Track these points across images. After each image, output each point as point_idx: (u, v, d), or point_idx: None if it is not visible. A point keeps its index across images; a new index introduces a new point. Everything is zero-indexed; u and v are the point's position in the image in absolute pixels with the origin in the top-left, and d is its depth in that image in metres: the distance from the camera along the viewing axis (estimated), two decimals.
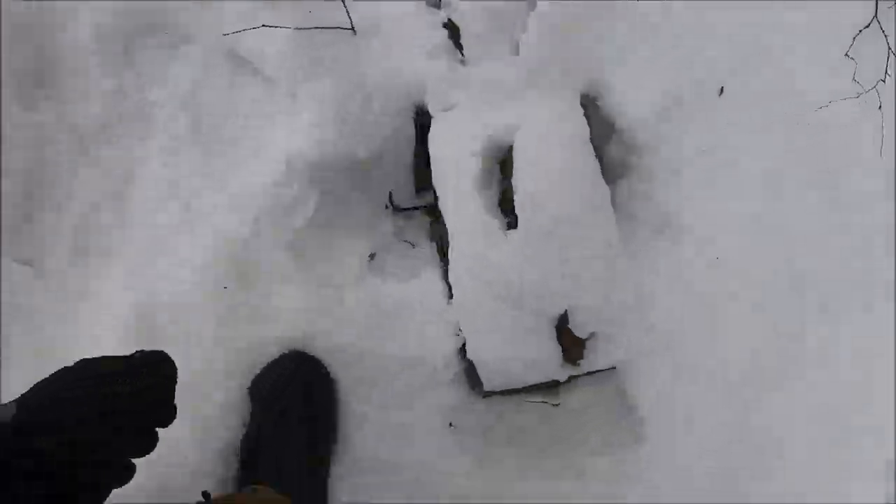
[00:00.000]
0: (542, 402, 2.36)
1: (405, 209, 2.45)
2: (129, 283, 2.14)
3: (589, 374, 2.34)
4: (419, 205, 2.45)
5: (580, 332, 2.14)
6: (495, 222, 2.16)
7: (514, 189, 2.15)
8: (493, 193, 2.22)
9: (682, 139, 2.40)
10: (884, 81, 2.13)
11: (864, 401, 2.21)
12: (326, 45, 2.35)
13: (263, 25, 2.26)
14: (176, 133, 2.36)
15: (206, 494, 1.80)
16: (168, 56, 2.43)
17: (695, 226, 2.39)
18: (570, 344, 2.17)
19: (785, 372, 2.24)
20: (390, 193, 2.45)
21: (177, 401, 1.32)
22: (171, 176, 2.32)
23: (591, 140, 2.29)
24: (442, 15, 2.38)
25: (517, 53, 2.29)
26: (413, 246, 2.40)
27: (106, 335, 2.05)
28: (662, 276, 2.33)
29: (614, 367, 2.32)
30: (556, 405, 2.37)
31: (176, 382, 1.35)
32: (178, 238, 2.22)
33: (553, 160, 2.15)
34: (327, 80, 2.31)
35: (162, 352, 1.34)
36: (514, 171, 2.15)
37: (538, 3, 2.27)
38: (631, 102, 2.39)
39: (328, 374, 2.12)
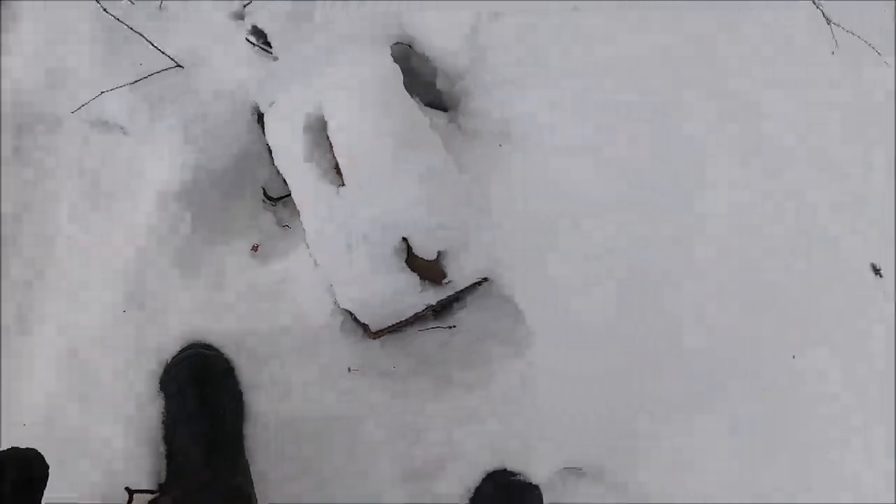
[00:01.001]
0: (437, 327, 2.59)
1: (279, 199, 2.76)
2: (54, 322, 2.53)
3: (467, 290, 2.55)
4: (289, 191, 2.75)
5: (426, 254, 2.37)
6: (330, 187, 2.43)
7: (333, 150, 2.42)
8: (325, 161, 2.49)
9: (497, 51, 2.64)
10: None
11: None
12: (164, 87, 2.71)
13: (102, 93, 2.65)
14: (74, 200, 2.75)
15: (128, 490, 2.15)
16: (51, 141, 2.84)
17: (530, 133, 2.60)
18: (423, 267, 2.40)
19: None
20: (263, 188, 2.78)
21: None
22: (77, 234, 2.71)
23: (419, 78, 2.55)
24: (246, 24, 2.69)
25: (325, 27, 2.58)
26: (289, 227, 2.70)
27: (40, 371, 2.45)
28: (505, 185, 2.55)
29: (486, 279, 2.53)
30: (453, 327, 2.60)
31: (45, 483, 1.42)
32: (86, 282, 2.60)
33: (365, 112, 2.40)
34: (172, 114, 2.67)
35: (33, 450, 1.42)
36: (329, 134, 2.43)
37: None
38: (443, 34, 2.65)
39: (225, 358, 2.43)
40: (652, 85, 2.68)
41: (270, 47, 2.63)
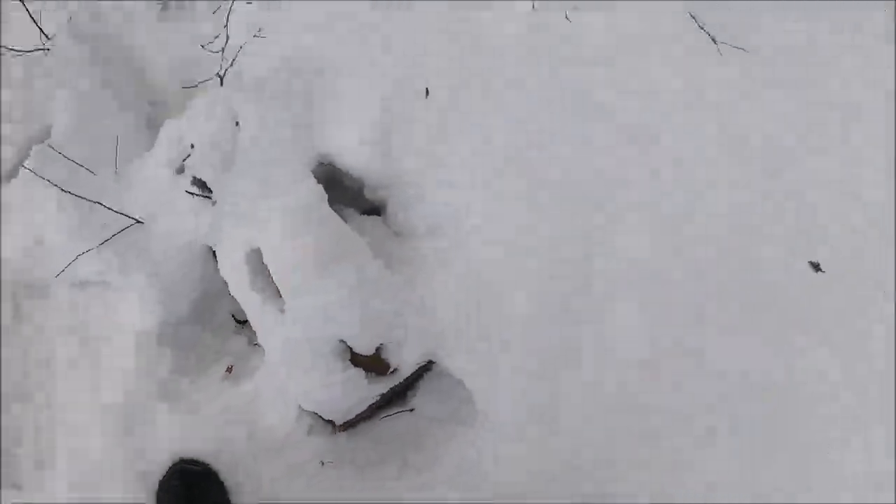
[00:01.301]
0: (398, 412, 2.90)
1: (245, 321, 3.11)
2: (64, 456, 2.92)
3: (417, 375, 2.87)
4: None
5: (364, 351, 2.69)
6: (274, 308, 2.78)
7: (272, 276, 2.78)
8: (268, 287, 2.84)
9: (405, 154, 2.99)
10: None
11: None
12: (129, 242, 3.10)
13: (77, 257, 3.06)
14: (68, 351, 3.15)
15: None
16: (42, 303, 3.25)
17: (449, 226, 2.93)
18: (366, 363, 2.73)
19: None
20: (232, 315, 3.14)
21: None
22: (74, 380, 3.10)
23: (349, 190, 2.92)
24: (187, 176, 3.08)
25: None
26: (259, 345, 3.04)
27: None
28: (434, 276, 2.87)
29: (432, 362, 2.84)
30: (412, 410, 2.90)
31: None
32: (86, 420, 2.98)
33: (292, 239, 2.76)
34: (140, 265, 3.06)
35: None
36: (265, 262, 2.78)
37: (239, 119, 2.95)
38: (354, 152, 3.01)
39: (211, 469, 2.77)
40: (551, 175, 2.97)
41: (210, 193, 3.00)
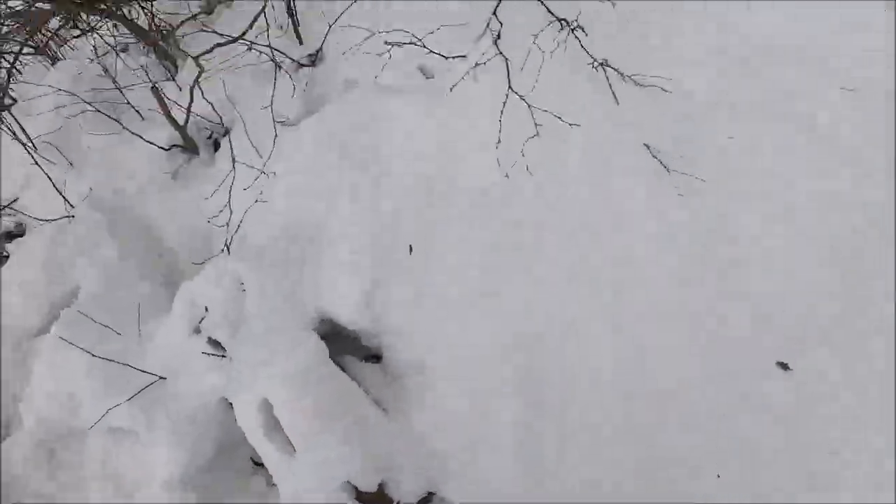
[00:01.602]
0: None
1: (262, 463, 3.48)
2: None
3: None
4: None
5: (368, 488, 3.06)
6: (286, 454, 3.16)
7: (282, 426, 3.16)
8: (279, 435, 3.22)
9: (389, 308, 3.39)
10: None
11: None
12: (154, 397, 3.49)
13: (108, 411, 3.44)
14: (103, 496, 3.52)
15: None
16: (79, 450, 3.63)
17: (437, 366, 3.33)
18: (370, 498, 3.09)
19: None
20: (251, 458, 3.51)
21: None
22: None
23: (350, 341, 3.32)
24: (203, 337, 3.49)
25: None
26: (276, 485, 3.40)
27: None
28: (427, 413, 3.26)
29: (432, 493, 3.20)
30: None
31: None
32: None
33: (298, 391, 3.15)
34: (165, 417, 3.45)
35: None
36: (275, 414, 3.17)
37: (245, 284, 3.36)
38: (348, 308, 3.42)
39: None
40: (515, 316, 3.40)
41: (225, 351, 3.40)
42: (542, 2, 3.99)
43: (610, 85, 3.79)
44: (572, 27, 3.84)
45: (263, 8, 4.05)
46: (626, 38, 4.00)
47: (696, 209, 3.55)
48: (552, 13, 3.92)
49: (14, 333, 4.11)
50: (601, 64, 3.80)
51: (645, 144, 3.69)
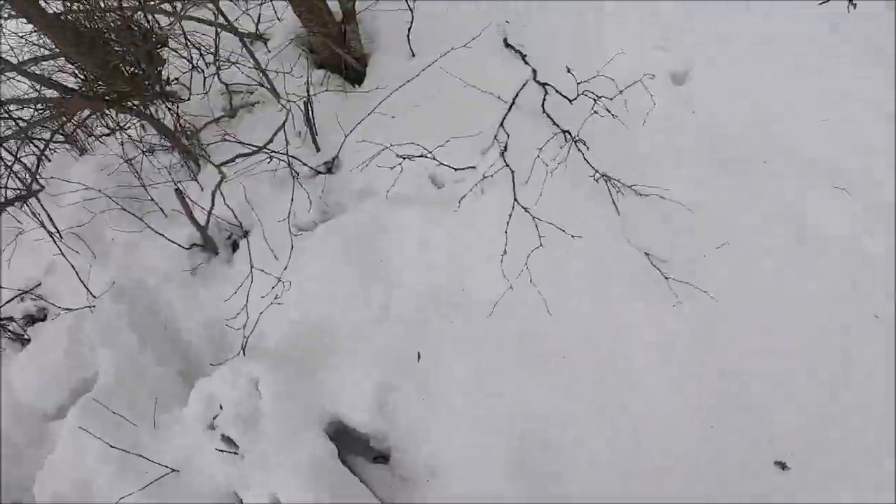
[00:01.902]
0: None
1: None
2: None
3: None
4: None
5: None
6: None
7: None
8: None
9: (399, 411, 3.63)
10: None
11: None
12: (167, 489, 3.67)
13: (120, 500, 3.62)
14: None
15: None
16: None
17: (444, 465, 3.56)
18: None
19: None
20: None
21: None
22: None
23: (359, 442, 3.55)
24: (217, 433, 3.69)
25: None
26: None
27: None
28: None
29: None
30: None
31: None
32: None
33: (306, 491, 3.36)
34: None
35: None
36: None
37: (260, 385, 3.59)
38: (359, 411, 3.65)
39: None
40: (516, 420, 3.62)
41: (237, 448, 3.60)
42: (547, 115, 4.39)
43: (612, 197, 4.09)
44: (575, 139, 4.18)
45: (284, 123, 4.38)
46: (626, 149, 4.31)
47: (694, 317, 3.80)
48: (557, 125, 4.29)
49: (32, 415, 4.31)
50: (602, 176, 4.08)
51: (646, 253, 3.96)
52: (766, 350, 3.71)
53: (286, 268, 4.15)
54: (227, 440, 3.68)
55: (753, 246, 3.97)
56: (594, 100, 4.25)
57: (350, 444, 3.74)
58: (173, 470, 3.70)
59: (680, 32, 4.70)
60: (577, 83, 4.32)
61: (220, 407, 3.73)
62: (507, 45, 4.87)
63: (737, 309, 3.81)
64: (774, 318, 3.81)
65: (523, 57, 4.77)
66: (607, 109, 4.25)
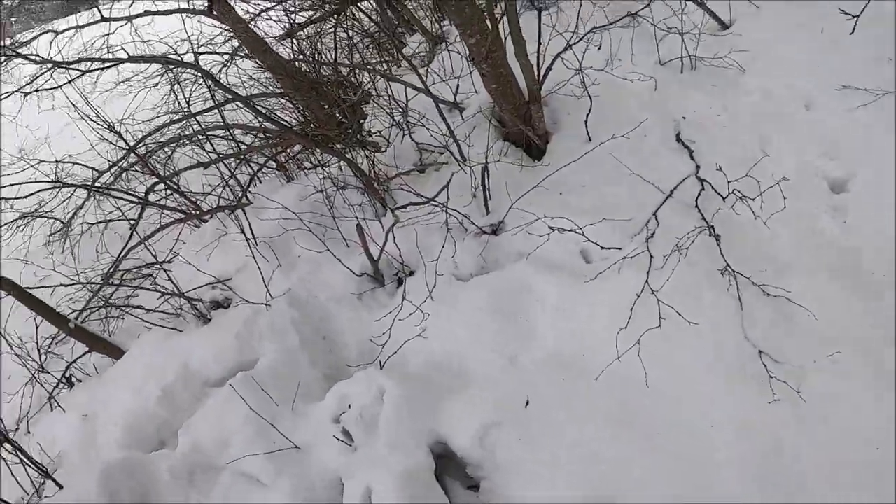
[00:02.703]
0: None
1: None
2: None
3: None
4: None
5: None
6: None
7: None
8: None
9: (498, 447, 4.23)
10: None
11: None
12: (285, 461, 4.45)
13: (244, 456, 4.46)
14: None
15: None
16: (211, 480, 4.63)
17: None
18: None
19: None
20: None
21: None
22: None
23: (457, 467, 4.22)
24: (339, 426, 4.49)
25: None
26: None
27: None
28: None
29: None
30: None
31: None
32: None
33: (398, 494, 4.02)
34: (289, 476, 4.36)
35: None
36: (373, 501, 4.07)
37: (385, 395, 4.36)
38: (463, 438, 4.29)
39: None
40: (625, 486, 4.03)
41: (353, 442, 4.38)
42: (699, 209, 4.84)
43: (738, 291, 4.40)
44: (714, 233, 4.57)
45: (449, 181, 5.20)
46: (761, 247, 4.64)
47: (786, 418, 4.00)
48: (705, 220, 4.72)
49: (197, 378, 5.29)
50: (733, 271, 4.40)
51: (759, 351, 4.22)
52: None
53: (439, 303, 4.92)
54: (346, 433, 4.42)
55: (864, 362, 4.08)
56: (741, 198, 4.64)
57: (450, 467, 4.30)
58: (296, 447, 4.49)
59: (848, 141, 4.93)
60: (728, 181, 4.72)
61: (349, 406, 4.52)
62: (679, 140, 5.39)
63: (825, 421, 3.96)
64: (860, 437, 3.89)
65: (691, 153, 5.26)
66: (751, 209, 4.63)
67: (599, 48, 6.03)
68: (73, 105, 6.53)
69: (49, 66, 6.89)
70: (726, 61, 5.70)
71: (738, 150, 5.15)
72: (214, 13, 6.67)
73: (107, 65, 6.46)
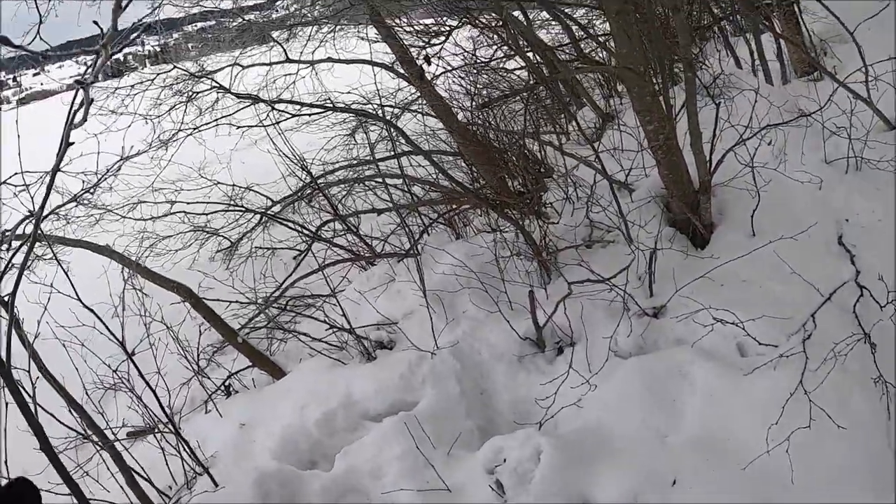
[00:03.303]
0: None
1: None
2: None
3: None
4: None
5: None
6: None
7: None
8: None
9: None
10: None
11: None
12: (435, 500, 4.87)
13: (400, 489, 4.87)
14: None
15: None
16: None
17: None
18: None
19: None
20: None
21: None
22: None
23: None
24: (494, 477, 4.85)
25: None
26: None
27: None
28: None
29: None
30: None
31: None
32: None
33: None
34: None
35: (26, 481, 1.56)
36: None
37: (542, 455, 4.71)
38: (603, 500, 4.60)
39: None
40: None
41: (504, 495, 4.73)
42: (856, 315, 4.99)
43: (888, 400, 4.50)
44: (871, 342, 4.70)
45: (629, 265, 5.57)
46: None
47: None
48: (862, 328, 4.84)
49: (358, 409, 5.79)
50: (885, 382, 4.50)
51: None
52: None
53: (597, 375, 5.27)
54: (499, 485, 4.81)
55: None
56: None
57: None
58: (448, 489, 4.88)
59: None
60: (888, 291, 4.90)
61: (504, 460, 4.89)
62: (840, 243, 5.59)
63: None
64: None
65: (852, 257, 5.44)
66: None
67: (770, 143, 6.29)
68: (272, 140, 7.18)
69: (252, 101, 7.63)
70: (891, 164, 5.87)
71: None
72: (402, 72, 7.25)
73: (315, 110, 7.14)
